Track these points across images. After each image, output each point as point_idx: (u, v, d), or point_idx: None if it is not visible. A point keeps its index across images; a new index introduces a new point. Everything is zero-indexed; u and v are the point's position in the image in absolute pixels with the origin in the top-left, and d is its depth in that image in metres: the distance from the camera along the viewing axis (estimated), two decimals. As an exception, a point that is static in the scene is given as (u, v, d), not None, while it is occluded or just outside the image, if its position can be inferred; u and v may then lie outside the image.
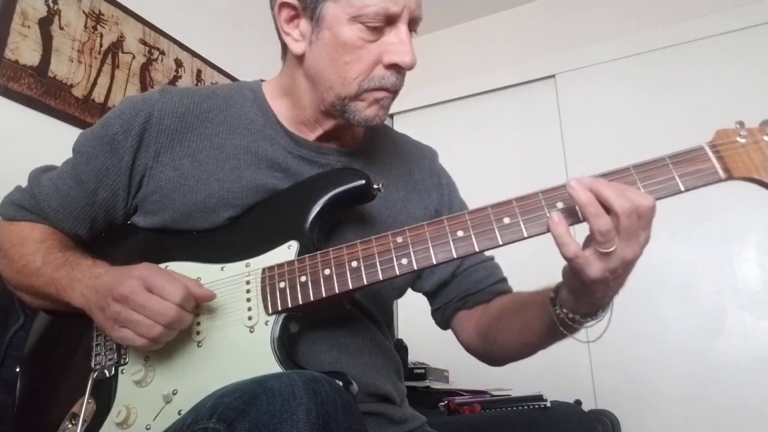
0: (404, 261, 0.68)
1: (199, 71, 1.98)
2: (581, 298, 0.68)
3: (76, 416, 0.72)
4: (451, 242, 0.68)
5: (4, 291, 0.98)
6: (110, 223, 0.87)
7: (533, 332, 0.80)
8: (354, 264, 0.70)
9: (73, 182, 0.85)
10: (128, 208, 0.86)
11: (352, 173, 0.80)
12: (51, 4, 1.50)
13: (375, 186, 0.79)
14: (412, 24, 0.80)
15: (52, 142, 1.46)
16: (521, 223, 0.67)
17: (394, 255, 0.69)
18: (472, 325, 0.94)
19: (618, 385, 2.18)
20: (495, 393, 1.79)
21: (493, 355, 0.92)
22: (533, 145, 2.62)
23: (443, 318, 0.99)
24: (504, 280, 0.99)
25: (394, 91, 0.81)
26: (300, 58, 0.83)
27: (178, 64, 1.90)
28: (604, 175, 0.65)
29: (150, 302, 0.66)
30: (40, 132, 1.44)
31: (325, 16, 0.77)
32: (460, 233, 0.68)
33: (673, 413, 2.08)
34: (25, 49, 1.43)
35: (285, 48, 0.87)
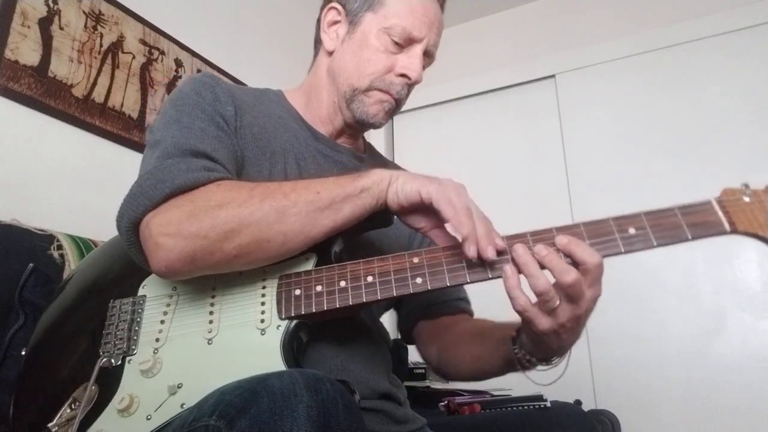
0: (419, 280, 0.71)
1: (199, 71, 1.98)
2: (537, 345, 0.73)
3: (77, 401, 0.72)
4: (465, 268, 0.70)
5: (4, 290, 0.99)
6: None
7: (488, 362, 0.85)
8: (369, 279, 0.72)
9: (216, 132, 0.80)
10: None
11: None
12: (51, 4, 1.50)
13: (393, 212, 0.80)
14: (426, 57, 0.94)
15: (52, 142, 1.46)
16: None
17: (409, 274, 0.71)
18: (433, 340, 0.98)
19: (618, 385, 2.18)
20: (495, 393, 1.80)
21: (446, 371, 0.97)
22: (533, 145, 2.63)
23: (407, 326, 1.04)
24: (467, 300, 1.04)
25: (397, 99, 0.92)
26: (330, 54, 0.97)
27: (178, 64, 1.90)
28: (616, 219, 0.70)
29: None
30: (40, 132, 1.44)
31: (362, 22, 0.93)
32: (475, 260, 0.70)
33: (673, 413, 2.08)
34: (25, 49, 1.43)
35: (316, 52, 1.01)
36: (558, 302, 0.65)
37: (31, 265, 1.02)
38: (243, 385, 0.55)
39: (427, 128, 2.90)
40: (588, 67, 2.55)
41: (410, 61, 0.91)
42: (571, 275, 0.64)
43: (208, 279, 0.76)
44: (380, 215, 0.77)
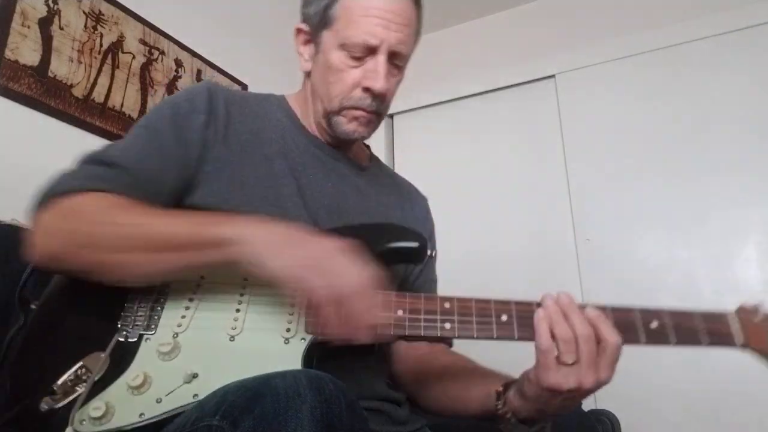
0: (447, 326, 0.72)
1: (199, 71, 1.98)
2: (527, 403, 0.73)
3: (84, 368, 0.71)
4: (494, 324, 0.72)
5: (4, 291, 0.99)
6: (175, 194, 0.83)
7: (466, 407, 0.85)
8: (400, 313, 0.73)
9: (150, 146, 0.82)
10: (191, 182, 0.84)
11: (411, 234, 0.83)
12: (51, 4, 1.50)
13: (429, 251, 0.83)
14: (395, 58, 0.89)
15: (52, 142, 1.46)
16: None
17: (438, 317, 0.72)
18: (410, 362, 0.97)
19: (618, 384, 2.16)
20: (495, 393, 1.79)
21: (418, 399, 0.95)
22: (533, 145, 2.62)
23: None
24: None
25: (370, 112, 0.90)
26: (308, 75, 0.97)
27: (178, 64, 1.90)
28: (642, 311, 0.72)
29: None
30: (40, 132, 1.44)
31: (323, 41, 0.91)
32: (504, 317, 0.72)
33: (673, 413, 2.08)
34: (25, 49, 1.43)
35: None
36: (575, 359, 0.66)
37: (30, 265, 1.02)
38: (246, 384, 0.55)
39: (427, 128, 2.90)
40: (588, 67, 2.55)
41: (372, 73, 0.87)
42: (588, 329, 0.67)
43: (238, 278, 0.77)
44: (411, 251, 0.80)
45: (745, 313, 0.76)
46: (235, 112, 0.90)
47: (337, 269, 0.65)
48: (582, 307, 0.70)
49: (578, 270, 2.32)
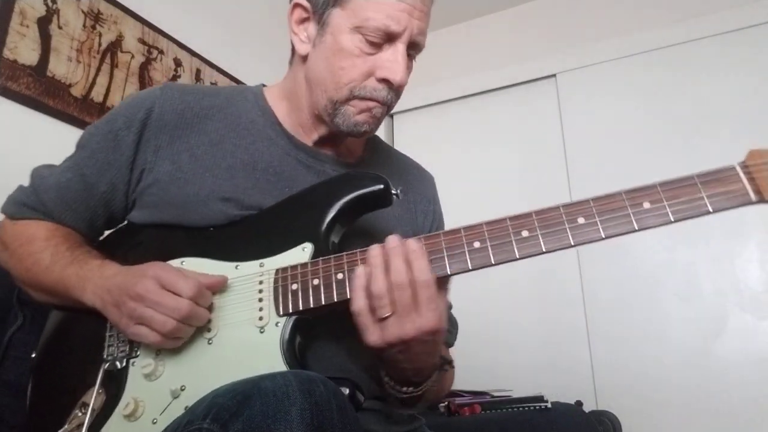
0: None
1: (198, 71, 1.98)
2: (382, 361, 0.72)
3: (86, 405, 0.72)
4: (467, 253, 0.67)
5: (2, 292, 0.98)
6: (110, 219, 0.88)
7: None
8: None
9: (74, 175, 0.85)
10: (128, 202, 0.86)
11: (370, 177, 0.79)
12: (50, 4, 1.50)
13: (393, 191, 0.78)
14: (412, 48, 0.82)
15: (51, 141, 1.45)
16: (540, 237, 0.66)
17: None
18: None
19: (619, 385, 2.17)
20: (495, 394, 1.79)
21: None
22: (534, 144, 2.62)
23: None
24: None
25: (383, 104, 0.83)
26: (304, 59, 0.87)
27: (177, 63, 1.89)
28: (629, 192, 0.64)
29: (164, 299, 0.68)
30: (39, 132, 1.44)
31: (331, 21, 0.81)
32: (476, 244, 0.67)
33: (675, 414, 2.07)
34: (23, 48, 1.42)
35: (293, 50, 0.90)
36: (389, 313, 0.64)
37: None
38: (236, 387, 0.55)
39: (427, 128, 2.89)
40: (589, 67, 2.55)
41: (391, 63, 0.79)
42: (402, 275, 0.63)
43: None
44: (375, 195, 0.76)
45: (757, 158, 0.59)
46: (192, 120, 0.85)
47: (132, 312, 0.70)
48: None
49: (579, 270, 2.32)
